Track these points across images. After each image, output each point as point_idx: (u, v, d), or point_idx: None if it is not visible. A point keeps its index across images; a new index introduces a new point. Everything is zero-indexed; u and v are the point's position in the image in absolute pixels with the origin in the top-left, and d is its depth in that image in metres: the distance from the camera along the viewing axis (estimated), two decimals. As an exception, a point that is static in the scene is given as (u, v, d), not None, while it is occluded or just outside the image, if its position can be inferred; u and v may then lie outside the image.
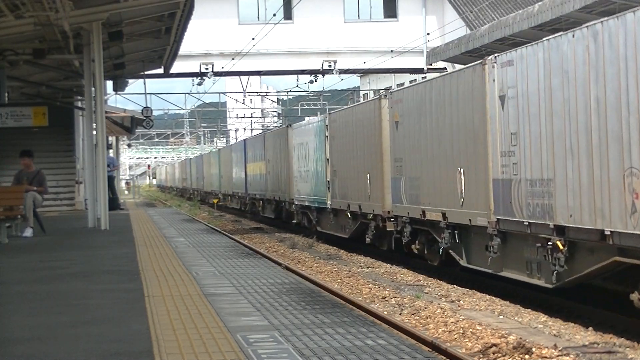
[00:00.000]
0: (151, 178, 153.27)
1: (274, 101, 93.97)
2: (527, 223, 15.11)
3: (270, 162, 39.63)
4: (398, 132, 22.06)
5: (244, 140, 51.60)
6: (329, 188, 28.96)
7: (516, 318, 14.90)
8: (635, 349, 12.24)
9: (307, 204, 32.31)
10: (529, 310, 15.64)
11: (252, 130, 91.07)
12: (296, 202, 33.95)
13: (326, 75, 42.38)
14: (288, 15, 41.03)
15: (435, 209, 19.45)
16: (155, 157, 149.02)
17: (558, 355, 11.04)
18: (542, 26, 27.03)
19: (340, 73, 41.63)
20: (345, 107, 31.86)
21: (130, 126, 42.13)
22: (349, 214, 26.58)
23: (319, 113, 49.73)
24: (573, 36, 13.69)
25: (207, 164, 68.68)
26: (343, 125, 27.59)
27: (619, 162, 12.51)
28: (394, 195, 22.36)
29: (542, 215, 14.65)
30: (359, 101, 56.89)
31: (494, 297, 17.12)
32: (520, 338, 11.99)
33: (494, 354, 11.20)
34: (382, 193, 23.19)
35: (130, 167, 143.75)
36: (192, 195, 79.59)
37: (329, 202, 28.99)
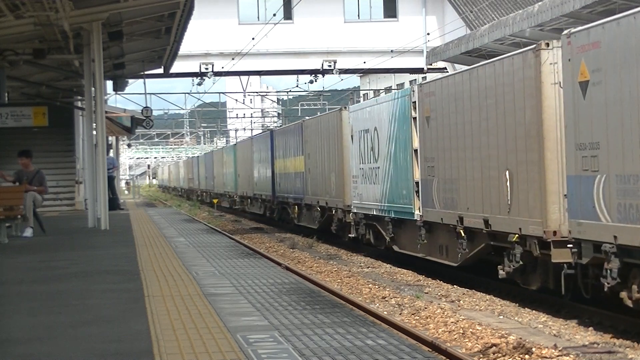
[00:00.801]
0: (151, 178, 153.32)
1: (274, 101, 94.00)
2: None
3: (311, 158, 31.60)
4: (587, 98, 13.34)
5: (271, 131, 41.64)
6: (417, 192, 20.81)
7: (516, 318, 14.91)
8: (635, 349, 12.24)
9: (375, 213, 24.11)
10: (529, 310, 15.65)
11: (252, 130, 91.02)
12: (356, 211, 25.83)
13: (326, 75, 42.36)
14: (288, 15, 41.02)
15: None
16: (155, 157, 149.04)
17: (558, 355, 11.04)
18: (542, 26, 27.05)
19: (340, 73, 41.61)
20: (449, 73, 20.73)
21: (130, 126, 42.13)
22: (462, 232, 18.16)
23: (318, 113, 48.30)
24: None
25: (219, 162, 59.76)
26: (449, 99, 18.82)
27: None
28: (574, 206, 13.76)
29: None
30: (359, 101, 56.08)
31: (494, 297, 17.13)
32: (520, 338, 12.00)
33: (494, 354, 11.20)
34: (542, 201, 14.93)
35: (130, 167, 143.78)
36: (200, 197, 72.67)
37: (417, 213, 20.87)
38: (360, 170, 25.51)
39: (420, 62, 41.50)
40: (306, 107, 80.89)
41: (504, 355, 11.07)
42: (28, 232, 20.08)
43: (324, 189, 29.78)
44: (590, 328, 13.78)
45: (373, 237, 25.05)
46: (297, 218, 34.46)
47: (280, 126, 42.27)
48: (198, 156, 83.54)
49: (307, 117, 35.68)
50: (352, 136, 26.33)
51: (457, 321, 13.68)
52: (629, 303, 12.87)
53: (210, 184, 65.38)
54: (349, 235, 26.91)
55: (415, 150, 21.11)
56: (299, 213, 34.21)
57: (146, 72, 36.79)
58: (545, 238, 14.81)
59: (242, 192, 48.77)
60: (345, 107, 28.17)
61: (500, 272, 16.57)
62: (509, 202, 16.02)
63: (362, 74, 54.76)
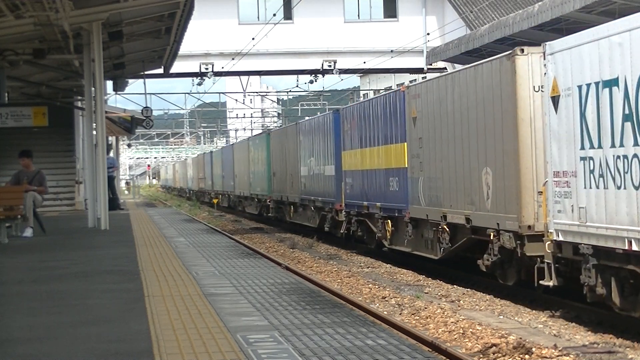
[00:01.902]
0: (151, 178, 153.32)
1: (274, 101, 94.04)
2: None
3: (427, 144, 20.19)
4: None
5: (336, 111, 29.69)
6: None
7: (516, 318, 14.91)
8: (635, 349, 12.25)
9: (637, 248, 12.19)
10: (529, 310, 15.65)
11: (252, 130, 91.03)
12: (565, 239, 14.06)
13: (326, 75, 42.40)
14: (288, 15, 41.03)
15: None
16: (155, 157, 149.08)
17: (558, 355, 11.05)
18: (542, 26, 27.05)
19: (340, 73, 41.63)
20: None
21: (130, 126, 42.14)
22: None
23: (318, 113, 47.44)
24: None
25: (243, 157, 48.80)
26: None
27: None
28: None
29: None
30: (358, 100, 55.41)
31: (494, 297, 17.13)
32: (520, 338, 12.00)
33: (494, 354, 11.20)
34: None
35: (130, 167, 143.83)
36: (216, 200, 61.43)
37: None
38: (583, 163, 13.68)
39: (420, 62, 41.51)
40: (306, 107, 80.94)
41: (504, 355, 11.07)
42: (28, 232, 20.08)
43: (462, 195, 18.34)
44: (590, 328, 13.78)
45: (618, 294, 13.09)
46: (390, 239, 23.26)
47: (344, 107, 29.89)
48: (212, 151, 71.38)
49: (414, 80, 21.04)
50: (553, 99, 14.54)
51: (457, 321, 13.68)
52: None
53: (230, 185, 54.15)
54: (541, 283, 14.91)
55: None
56: (395, 232, 23.02)
57: (146, 72, 36.81)
58: None
59: (280, 195, 37.78)
60: (521, 50, 16.19)
61: None
62: None
63: (362, 74, 54.78)
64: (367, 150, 25.15)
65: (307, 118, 37.50)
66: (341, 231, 27.91)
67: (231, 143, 67.17)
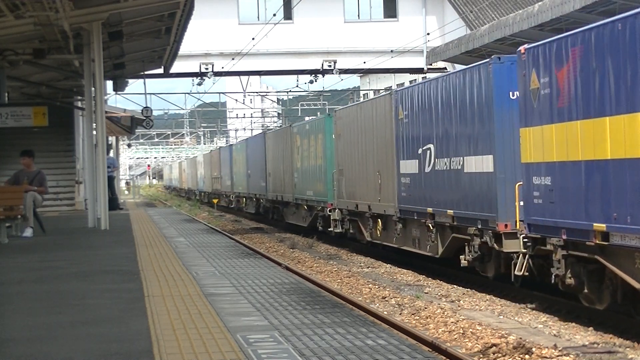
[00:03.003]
0: (151, 178, 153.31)
1: (274, 101, 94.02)
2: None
3: None
4: None
5: (499, 58, 16.84)
6: None
7: (516, 318, 14.91)
8: (635, 349, 12.24)
9: None
10: (529, 310, 15.65)
11: (252, 130, 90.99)
12: None
13: (326, 75, 42.40)
14: (288, 15, 41.04)
15: None
16: (155, 157, 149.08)
17: (558, 355, 11.04)
18: (542, 26, 27.07)
19: (340, 73, 41.63)
20: None
21: (130, 126, 42.15)
22: None
23: (319, 113, 47.19)
24: None
25: (281, 151, 37.75)
26: None
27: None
28: None
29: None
30: (359, 100, 54.31)
31: (494, 297, 17.13)
32: (520, 338, 12.00)
33: (494, 354, 11.20)
34: None
35: (130, 167, 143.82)
36: (237, 205, 51.67)
37: None
38: None
39: (420, 62, 41.51)
40: (306, 107, 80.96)
41: (504, 355, 11.07)
42: (28, 232, 20.07)
43: None
44: (590, 328, 13.78)
45: None
46: None
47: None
48: (232, 145, 59.13)
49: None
50: None
51: (457, 321, 13.68)
52: None
53: (259, 186, 43.07)
54: None
55: None
56: None
57: (146, 72, 36.83)
58: None
59: (354, 203, 26.29)
60: None
61: None
62: None
63: (362, 74, 54.78)
64: (599, 122, 12.69)
65: (420, 79, 23.27)
66: (517, 272, 15.61)
67: (261, 132, 54.90)
